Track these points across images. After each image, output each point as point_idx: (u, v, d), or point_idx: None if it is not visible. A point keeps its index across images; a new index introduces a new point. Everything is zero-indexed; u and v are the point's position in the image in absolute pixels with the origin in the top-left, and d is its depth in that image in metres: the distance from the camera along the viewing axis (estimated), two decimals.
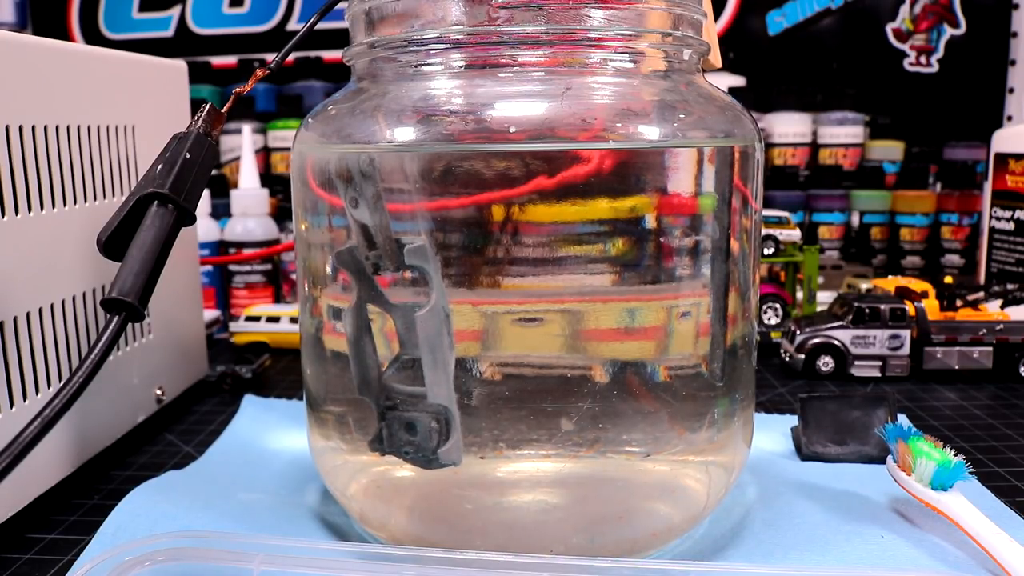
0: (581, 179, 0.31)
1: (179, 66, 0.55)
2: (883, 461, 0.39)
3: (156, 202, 0.29)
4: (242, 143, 0.81)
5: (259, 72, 0.33)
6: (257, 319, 0.70)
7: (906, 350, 0.60)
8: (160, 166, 0.29)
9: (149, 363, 0.50)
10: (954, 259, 1.03)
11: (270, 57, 0.35)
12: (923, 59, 1.22)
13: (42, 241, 0.39)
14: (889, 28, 1.22)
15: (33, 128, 0.38)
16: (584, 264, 0.31)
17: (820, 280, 0.84)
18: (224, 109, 0.31)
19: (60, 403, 0.26)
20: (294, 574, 0.30)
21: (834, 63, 1.22)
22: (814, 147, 1.11)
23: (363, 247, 0.32)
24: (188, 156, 0.29)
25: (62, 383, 0.26)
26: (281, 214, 0.96)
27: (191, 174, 0.29)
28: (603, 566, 0.29)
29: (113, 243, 0.29)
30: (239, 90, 0.32)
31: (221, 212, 0.86)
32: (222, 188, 0.96)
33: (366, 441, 0.34)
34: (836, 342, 0.61)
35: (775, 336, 0.68)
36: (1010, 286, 0.68)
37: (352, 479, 0.36)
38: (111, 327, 0.27)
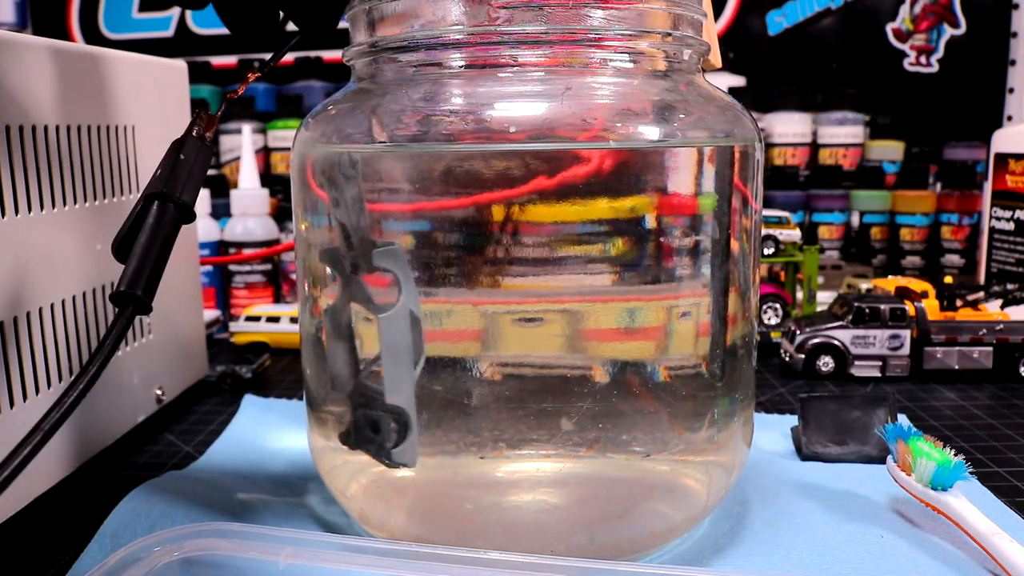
0: (581, 179, 0.31)
1: (179, 66, 0.55)
2: (883, 461, 0.39)
3: (156, 202, 0.30)
4: (242, 143, 0.81)
5: (251, 76, 0.34)
6: (257, 319, 0.70)
7: (906, 350, 0.60)
8: (158, 171, 0.31)
9: (149, 363, 0.50)
10: (954, 259, 1.03)
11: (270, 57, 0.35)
12: (923, 59, 1.21)
13: (42, 241, 0.39)
14: (889, 28, 1.22)
15: (33, 128, 0.38)
16: (584, 264, 0.31)
17: (820, 280, 0.84)
18: (217, 114, 0.33)
19: (74, 395, 0.27)
20: (320, 568, 0.30)
21: (834, 63, 1.22)
22: (814, 147, 1.11)
23: (344, 247, 0.33)
24: (182, 158, 0.31)
25: (75, 375, 0.27)
26: (281, 214, 0.95)
27: (186, 174, 0.31)
28: (608, 568, 0.29)
29: (123, 247, 0.30)
30: (231, 94, 0.34)
31: (221, 212, 0.86)
32: (222, 188, 0.96)
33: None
34: (836, 342, 0.61)
35: (775, 336, 0.68)
36: (1010, 286, 0.68)
37: (352, 479, 0.36)
38: (121, 319, 0.28)
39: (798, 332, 0.62)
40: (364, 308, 0.33)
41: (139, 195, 0.31)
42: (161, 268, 0.29)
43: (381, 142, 0.33)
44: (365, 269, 0.32)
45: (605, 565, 0.29)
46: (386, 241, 0.32)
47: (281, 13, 0.34)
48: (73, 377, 0.27)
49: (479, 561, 0.29)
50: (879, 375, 0.61)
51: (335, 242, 0.34)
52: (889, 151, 1.12)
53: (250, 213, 0.79)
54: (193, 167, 0.31)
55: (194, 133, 0.32)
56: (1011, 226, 0.76)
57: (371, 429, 0.33)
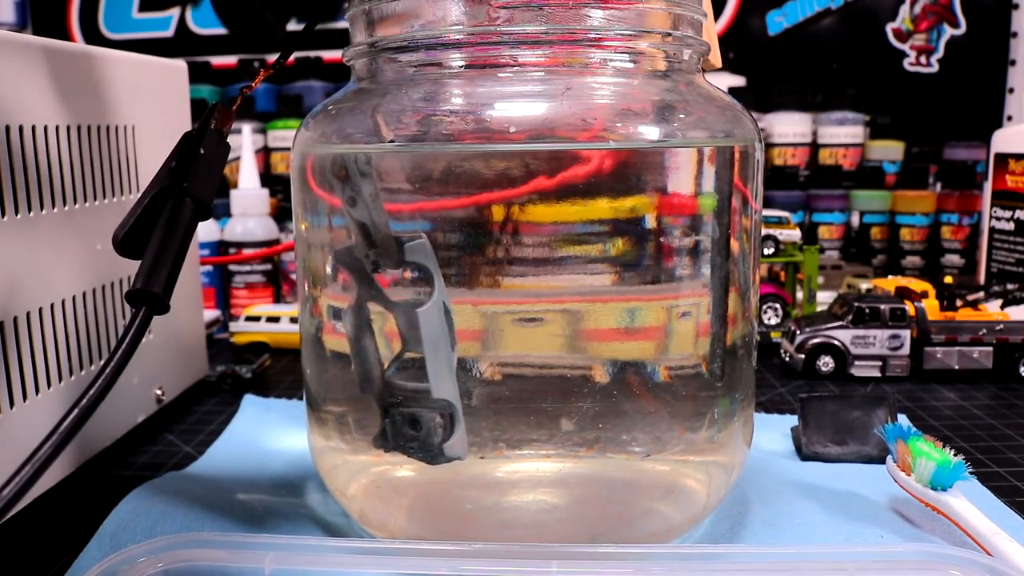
0: (581, 179, 0.31)
1: (179, 66, 0.55)
2: (883, 461, 0.39)
3: (173, 197, 0.29)
4: (242, 143, 0.81)
5: (263, 72, 0.34)
6: (257, 319, 0.70)
7: (906, 350, 0.60)
8: (174, 163, 0.29)
9: (149, 363, 0.50)
10: (954, 259, 1.03)
11: (270, 58, 0.35)
12: (923, 59, 1.22)
13: (42, 241, 0.39)
14: (889, 28, 1.22)
15: (33, 128, 0.38)
16: (584, 264, 0.32)
17: (820, 280, 0.84)
18: (234, 108, 0.32)
19: (92, 397, 0.25)
20: (305, 571, 0.30)
21: (834, 63, 1.22)
22: (814, 147, 1.11)
23: (362, 246, 0.32)
24: (202, 152, 0.29)
25: (93, 376, 0.25)
26: (281, 214, 0.95)
27: (205, 169, 0.29)
28: (609, 552, 0.29)
29: (130, 241, 0.28)
30: (247, 89, 0.33)
31: (221, 212, 0.86)
32: (222, 188, 0.96)
33: (367, 440, 0.34)
34: (836, 342, 0.61)
35: (775, 336, 0.68)
36: (1010, 286, 0.68)
37: (352, 479, 0.36)
38: (137, 320, 0.27)
39: (798, 332, 0.62)
40: (382, 307, 0.33)
41: (143, 191, 0.29)
42: (179, 267, 0.28)
43: (391, 141, 0.32)
44: (391, 265, 0.32)
45: (596, 548, 0.29)
46: (413, 235, 0.32)
47: (283, 9, 0.33)
48: (91, 381, 0.25)
49: (464, 553, 0.29)
50: (879, 375, 0.61)
51: (337, 242, 0.34)
52: (889, 151, 1.12)
53: (250, 213, 0.79)
54: (212, 163, 0.30)
55: (212, 126, 0.30)
56: (1011, 226, 0.76)
57: (411, 427, 0.32)
